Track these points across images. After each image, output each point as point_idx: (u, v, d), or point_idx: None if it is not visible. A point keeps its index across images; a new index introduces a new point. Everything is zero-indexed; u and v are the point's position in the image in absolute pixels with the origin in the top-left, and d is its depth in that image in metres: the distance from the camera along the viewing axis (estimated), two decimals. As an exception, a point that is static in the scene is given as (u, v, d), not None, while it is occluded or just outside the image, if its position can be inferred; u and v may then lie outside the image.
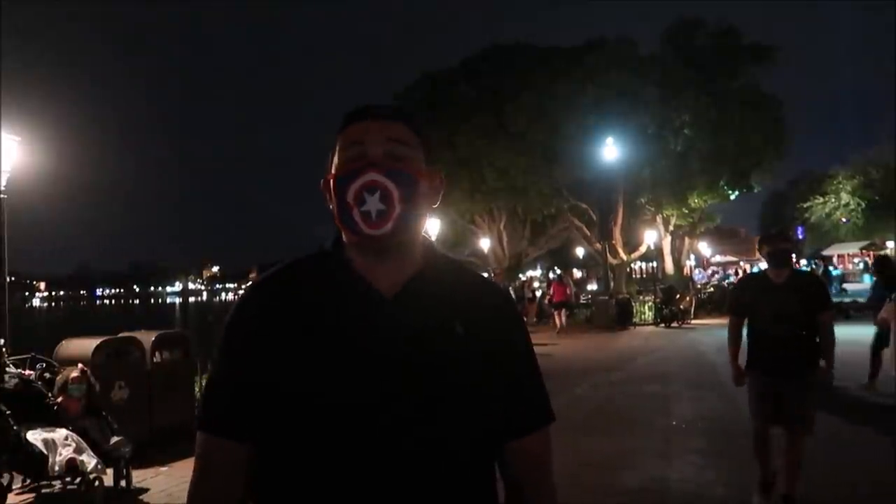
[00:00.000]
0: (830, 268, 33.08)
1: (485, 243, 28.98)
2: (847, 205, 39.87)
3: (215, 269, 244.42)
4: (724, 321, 17.24)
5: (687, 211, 26.92)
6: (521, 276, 30.52)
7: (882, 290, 8.81)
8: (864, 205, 39.12)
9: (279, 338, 1.08)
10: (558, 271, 28.45)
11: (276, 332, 1.09)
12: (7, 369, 5.09)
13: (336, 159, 1.14)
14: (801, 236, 54.19)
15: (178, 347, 7.34)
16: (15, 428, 4.64)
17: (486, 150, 23.99)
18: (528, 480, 1.21)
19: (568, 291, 19.89)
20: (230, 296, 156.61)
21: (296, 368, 1.06)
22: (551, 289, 20.58)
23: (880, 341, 8.02)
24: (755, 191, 27.46)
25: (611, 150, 21.18)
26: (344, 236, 1.16)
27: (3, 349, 5.28)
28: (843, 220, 41.12)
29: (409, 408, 1.06)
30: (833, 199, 40.56)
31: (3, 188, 8.00)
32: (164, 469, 5.86)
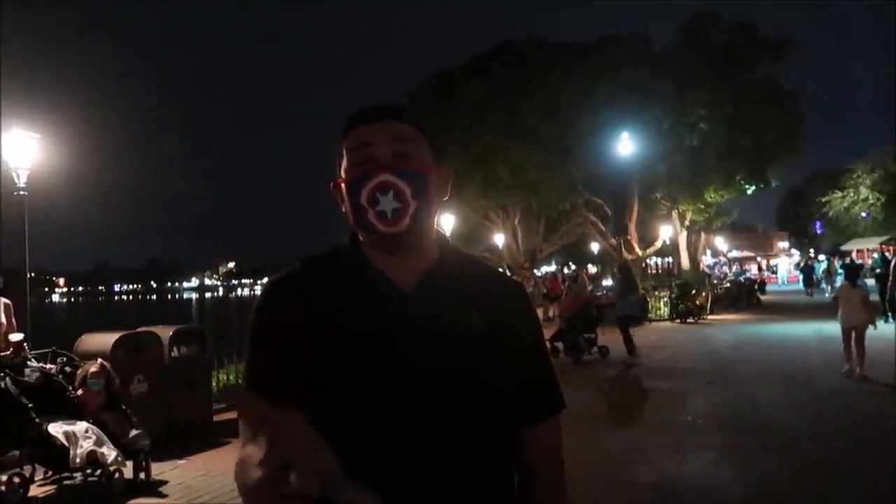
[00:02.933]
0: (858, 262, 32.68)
1: (499, 239, 28.94)
2: (866, 199, 39.29)
3: (231, 264, 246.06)
4: (741, 317, 17.19)
5: (703, 206, 26.72)
6: (535, 271, 30.45)
7: (626, 292, 12.07)
8: (883, 199, 38.56)
9: (304, 330, 1.11)
10: (573, 267, 28.43)
11: (301, 324, 1.11)
12: (29, 363, 5.17)
13: (344, 162, 1.16)
14: (819, 231, 53.66)
15: (195, 342, 7.41)
16: (37, 421, 4.73)
17: (500, 146, 23.93)
18: (541, 467, 1.24)
19: (563, 286, 20.43)
20: (245, 291, 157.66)
21: (321, 361, 1.09)
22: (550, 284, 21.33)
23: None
24: (772, 186, 27.19)
25: (625, 145, 21.03)
26: (360, 235, 1.18)
27: (25, 343, 5.37)
28: (863, 214, 40.57)
29: (432, 397, 1.09)
30: (852, 194, 39.99)
31: (23, 185, 8.12)
32: (181, 462, 5.92)
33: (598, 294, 18.73)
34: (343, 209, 1.18)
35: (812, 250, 49.64)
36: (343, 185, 1.16)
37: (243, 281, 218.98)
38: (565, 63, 23.99)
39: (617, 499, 4.93)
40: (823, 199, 41.65)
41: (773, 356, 11.85)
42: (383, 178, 1.10)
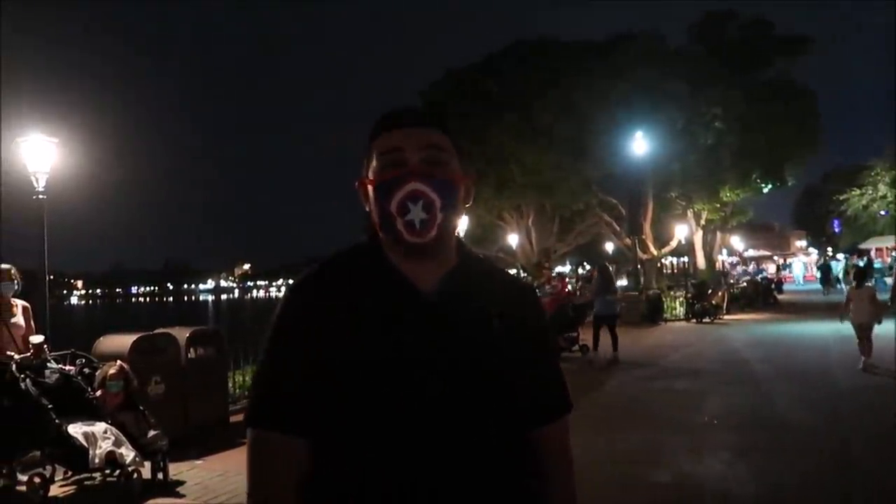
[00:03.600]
0: (878, 262, 32.36)
1: (513, 239, 28.88)
2: (885, 197, 38.77)
3: (246, 266, 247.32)
4: (758, 317, 17.24)
5: (718, 205, 26.51)
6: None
7: (603, 292, 12.34)
8: (902, 197, 38.03)
9: (327, 334, 1.12)
10: (587, 267, 28.32)
11: (324, 328, 1.12)
12: (48, 365, 5.24)
13: (374, 164, 1.16)
14: (836, 230, 53.04)
15: (212, 344, 7.46)
16: (56, 421, 4.79)
17: (514, 146, 23.88)
18: (551, 466, 1.27)
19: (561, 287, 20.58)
20: (261, 293, 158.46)
21: (344, 364, 1.10)
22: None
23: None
24: (789, 184, 26.93)
25: (639, 145, 20.92)
26: (381, 235, 1.19)
27: (45, 345, 5.43)
28: (882, 212, 40.04)
29: (449, 399, 1.10)
30: (870, 191, 39.50)
31: (42, 188, 8.22)
32: (198, 462, 5.97)
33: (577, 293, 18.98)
34: (367, 208, 1.20)
35: (830, 249, 49.07)
36: (371, 186, 1.17)
37: (258, 283, 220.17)
38: (579, 63, 23.89)
39: (633, 499, 4.91)
40: (841, 197, 41.15)
41: (789, 356, 11.75)
42: (414, 187, 1.12)
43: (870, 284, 10.50)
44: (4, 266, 5.75)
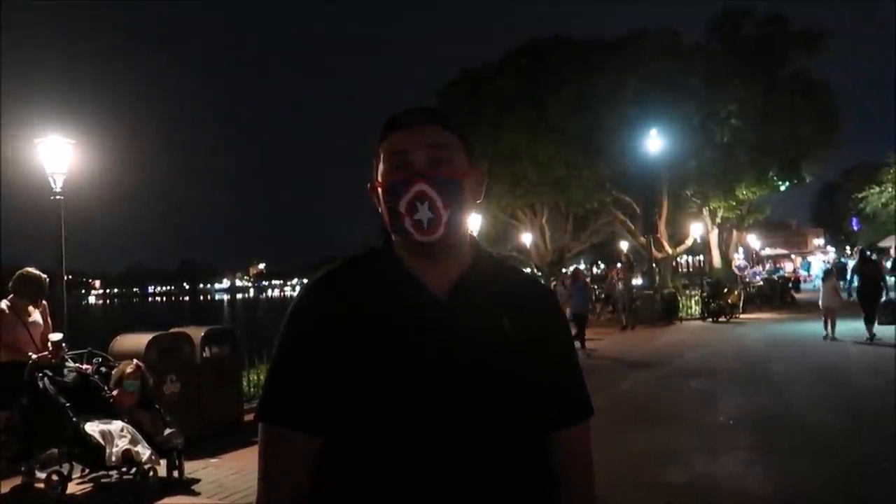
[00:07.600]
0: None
1: (526, 238, 28.81)
2: (905, 194, 38.20)
3: (261, 266, 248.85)
4: (774, 315, 17.35)
5: (734, 203, 26.28)
6: (563, 270, 30.25)
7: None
8: (923, 194, 37.44)
9: (340, 332, 1.12)
10: (602, 266, 28.13)
11: (337, 326, 1.13)
12: (66, 364, 5.29)
13: (381, 167, 1.18)
14: (856, 228, 52.39)
15: (226, 343, 7.51)
16: (74, 420, 4.84)
17: (528, 144, 23.82)
18: (570, 471, 1.24)
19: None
20: (276, 292, 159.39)
21: (356, 363, 1.10)
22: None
23: None
24: (807, 181, 26.61)
25: (654, 143, 20.79)
26: (394, 238, 1.20)
27: (63, 344, 5.49)
28: (902, 209, 39.45)
29: (463, 401, 1.10)
30: (890, 189, 38.92)
31: (60, 189, 8.31)
32: (213, 461, 6.00)
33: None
34: (379, 211, 1.20)
35: (848, 247, 48.48)
36: (380, 189, 1.18)
37: (273, 282, 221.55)
38: (592, 60, 23.78)
39: (648, 499, 4.87)
40: (860, 195, 40.61)
41: (807, 355, 11.61)
42: (419, 189, 1.12)
43: (833, 280, 14.11)
44: (33, 271, 5.81)
